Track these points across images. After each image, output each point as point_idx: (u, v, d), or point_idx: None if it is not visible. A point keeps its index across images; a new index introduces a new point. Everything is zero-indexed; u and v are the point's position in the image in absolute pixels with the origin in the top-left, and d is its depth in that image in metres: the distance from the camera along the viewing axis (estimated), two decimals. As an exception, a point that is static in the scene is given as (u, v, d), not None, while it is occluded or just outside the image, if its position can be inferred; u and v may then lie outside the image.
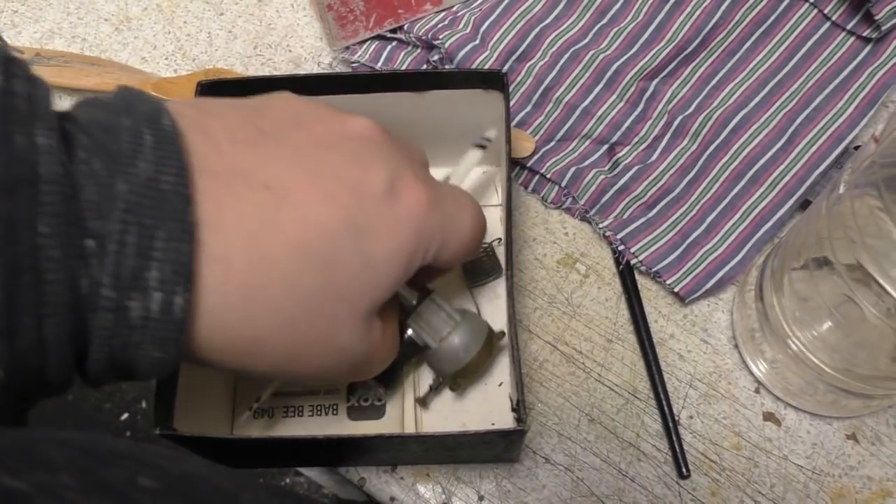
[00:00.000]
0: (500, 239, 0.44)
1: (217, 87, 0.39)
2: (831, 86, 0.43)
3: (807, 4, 0.44)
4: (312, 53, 0.51)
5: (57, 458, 0.19)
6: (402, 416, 0.39)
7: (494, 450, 0.35)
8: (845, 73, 0.43)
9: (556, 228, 0.45)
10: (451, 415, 0.40)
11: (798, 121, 0.43)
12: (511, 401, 0.33)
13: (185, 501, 0.20)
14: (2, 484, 0.17)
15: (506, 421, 0.39)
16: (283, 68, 0.51)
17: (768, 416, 0.40)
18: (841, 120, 0.42)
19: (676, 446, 0.39)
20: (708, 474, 0.39)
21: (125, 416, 1.20)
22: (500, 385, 0.41)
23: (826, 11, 0.44)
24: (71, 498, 0.18)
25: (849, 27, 0.43)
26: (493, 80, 0.38)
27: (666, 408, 0.40)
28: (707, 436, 0.40)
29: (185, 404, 0.33)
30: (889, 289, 0.30)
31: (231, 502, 0.22)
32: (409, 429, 0.39)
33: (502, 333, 0.36)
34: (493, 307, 0.42)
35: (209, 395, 0.38)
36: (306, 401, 0.40)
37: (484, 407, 0.40)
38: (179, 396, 0.33)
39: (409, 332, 0.34)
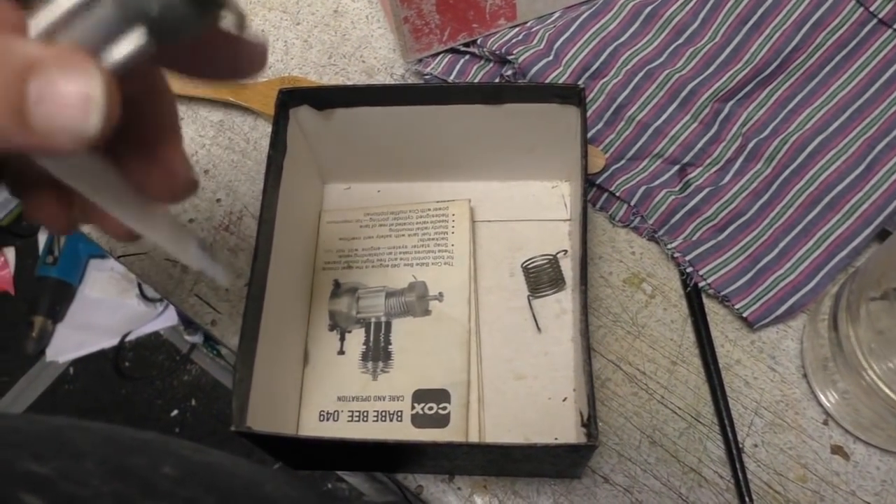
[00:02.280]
0: (566, 251, 0.44)
1: (297, 95, 0.40)
2: (914, 114, 0.42)
3: (890, 30, 0.43)
4: (385, 64, 0.52)
5: (83, 444, 0.20)
6: (465, 425, 0.39)
7: (559, 465, 0.35)
8: (929, 101, 0.42)
9: (623, 247, 0.45)
10: (513, 427, 0.40)
11: (878, 148, 0.42)
12: (581, 416, 0.32)
13: (205, 489, 0.20)
14: (28, 469, 0.18)
15: (568, 436, 0.39)
16: (355, 78, 0.52)
17: (836, 450, 0.40)
18: (924, 149, 0.41)
19: (740, 474, 0.39)
20: (772, 504, 0.39)
21: (175, 412, 1.23)
22: (564, 400, 0.40)
23: (911, 38, 0.43)
24: (94, 484, 0.18)
25: (935, 55, 0.43)
26: (570, 95, 0.39)
27: (730, 434, 0.40)
28: (772, 466, 0.39)
29: (257, 406, 0.34)
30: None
31: (253, 490, 0.22)
32: (473, 439, 0.39)
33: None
34: (559, 322, 0.42)
35: (278, 397, 0.38)
36: (371, 406, 0.40)
37: (547, 421, 0.40)
38: (252, 398, 0.34)
39: None
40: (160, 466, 0.20)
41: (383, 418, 0.40)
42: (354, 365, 0.42)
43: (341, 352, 0.42)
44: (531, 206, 0.46)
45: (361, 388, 0.41)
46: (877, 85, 0.43)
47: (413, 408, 0.40)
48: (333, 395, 0.41)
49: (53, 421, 0.21)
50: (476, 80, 0.48)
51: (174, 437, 0.22)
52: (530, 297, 0.43)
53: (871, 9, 0.43)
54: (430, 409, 0.40)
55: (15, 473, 0.18)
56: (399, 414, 0.40)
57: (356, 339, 0.43)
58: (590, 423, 0.31)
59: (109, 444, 0.20)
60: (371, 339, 0.42)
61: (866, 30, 0.44)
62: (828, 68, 0.44)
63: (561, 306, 0.43)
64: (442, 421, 0.40)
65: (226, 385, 1.26)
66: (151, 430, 0.23)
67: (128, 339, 1.28)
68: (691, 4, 0.46)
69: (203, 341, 1.28)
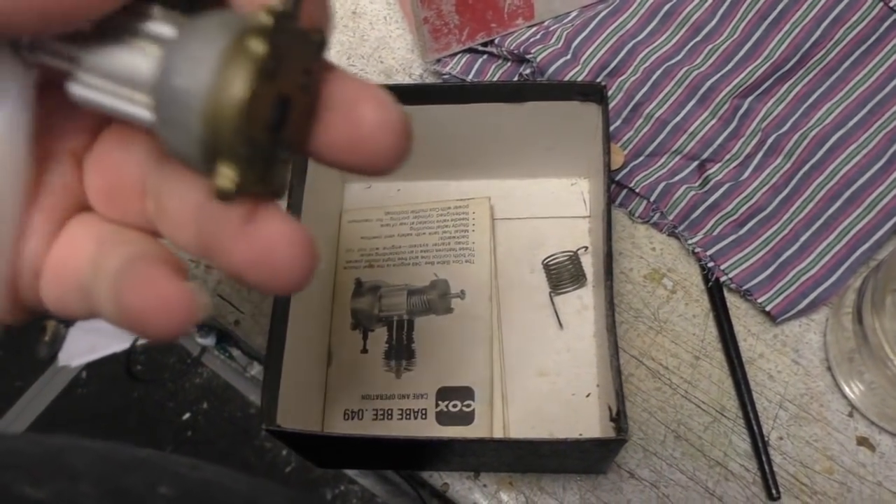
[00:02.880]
0: (586, 247, 0.44)
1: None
2: (934, 107, 0.42)
3: (910, 24, 0.44)
4: (403, 65, 0.52)
5: (80, 465, 0.19)
6: (490, 422, 0.40)
7: (587, 460, 0.35)
8: (950, 94, 0.42)
9: (643, 243, 0.45)
10: (537, 424, 0.40)
11: (899, 142, 0.42)
12: (610, 410, 0.33)
13: None
14: (23, 494, 0.18)
15: (592, 432, 0.39)
16: (374, 79, 0.52)
17: (862, 441, 0.40)
18: (945, 142, 0.41)
19: (766, 467, 0.39)
20: (799, 497, 0.39)
21: (187, 415, 1.23)
22: (587, 396, 0.41)
23: (930, 32, 0.43)
24: None
25: (954, 48, 0.43)
26: (592, 92, 0.39)
27: (755, 427, 0.40)
28: (798, 458, 0.40)
29: (285, 405, 0.34)
30: None
31: None
32: (497, 435, 0.39)
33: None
34: (580, 318, 0.43)
35: (304, 397, 0.39)
36: (396, 404, 0.41)
37: (571, 417, 0.40)
38: (280, 397, 0.34)
39: (72, 88, 0.17)
40: (157, 486, 0.20)
41: (408, 416, 0.40)
42: (378, 363, 0.42)
43: (364, 350, 0.43)
44: (550, 204, 0.46)
45: (385, 386, 0.41)
46: (896, 79, 0.43)
47: (437, 405, 0.41)
48: (357, 393, 0.41)
49: (52, 441, 0.21)
50: (494, 80, 0.49)
51: (174, 453, 0.22)
52: (551, 294, 0.44)
53: (891, 4, 0.44)
54: (455, 406, 0.40)
55: (11, 497, 0.17)
56: (423, 412, 0.41)
57: (379, 338, 0.43)
58: (619, 417, 0.31)
59: (106, 463, 0.20)
60: (394, 337, 0.43)
61: (886, 25, 0.44)
62: (847, 63, 0.44)
63: (582, 302, 0.43)
64: (467, 418, 0.40)
65: (237, 388, 1.26)
66: (149, 448, 0.23)
67: (139, 342, 1.28)
68: (710, 2, 0.46)
69: (215, 343, 1.28)
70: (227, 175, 0.16)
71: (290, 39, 0.16)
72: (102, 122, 0.20)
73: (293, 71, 0.16)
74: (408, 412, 0.40)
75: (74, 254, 0.19)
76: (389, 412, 0.41)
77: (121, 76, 0.16)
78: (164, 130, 0.16)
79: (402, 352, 0.42)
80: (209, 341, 1.29)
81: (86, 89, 0.17)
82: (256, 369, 1.24)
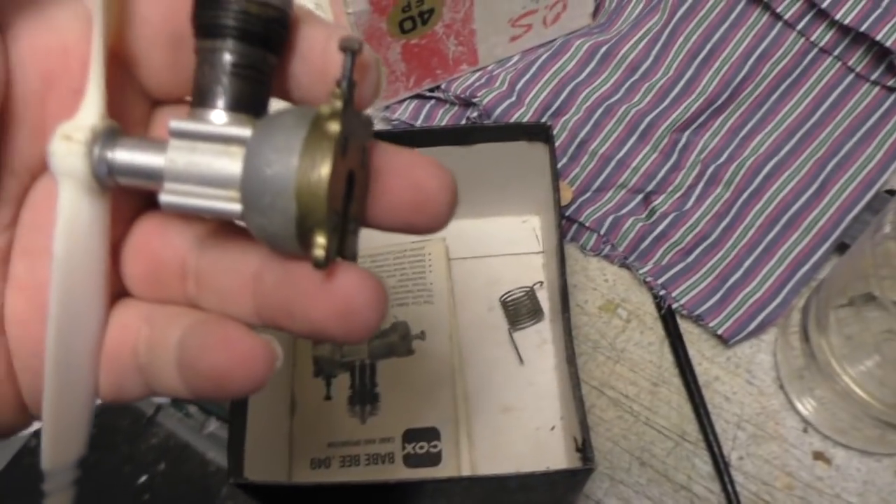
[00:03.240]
0: (541, 282, 0.45)
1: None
2: (859, 133, 0.45)
3: (830, 57, 0.46)
4: (352, 113, 0.53)
5: None
6: (458, 462, 0.40)
7: (556, 493, 0.35)
8: (872, 120, 0.45)
9: (596, 275, 0.47)
10: (504, 460, 0.40)
11: (829, 167, 0.44)
12: (575, 441, 0.33)
13: None
14: None
15: (559, 464, 0.40)
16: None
17: (818, 455, 0.41)
18: (871, 166, 0.44)
19: (729, 488, 0.40)
20: (762, 515, 0.40)
21: (144, 478, 1.19)
22: (552, 429, 0.41)
23: (850, 64, 0.46)
24: None
25: (873, 78, 0.46)
26: (538, 132, 0.40)
27: (716, 449, 0.41)
28: (758, 476, 0.41)
29: (251, 458, 0.34)
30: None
31: None
32: (466, 474, 0.39)
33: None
34: (540, 352, 0.43)
35: (270, 448, 0.38)
36: (362, 450, 0.41)
37: (537, 452, 0.41)
38: (247, 450, 0.33)
39: (163, 198, 0.19)
40: None
41: (375, 461, 0.40)
42: (342, 409, 0.42)
43: (328, 397, 0.43)
44: (504, 242, 0.47)
45: (351, 432, 0.41)
46: (822, 109, 0.46)
47: (404, 448, 0.41)
48: (323, 441, 0.41)
49: None
50: (443, 124, 0.50)
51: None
52: (510, 330, 0.44)
53: (812, 39, 0.46)
54: (422, 448, 0.41)
55: None
56: (391, 456, 0.40)
57: (342, 384, 0.43)
58: (584, 447, 0.32)
59: None
60: (357, 382, 0.43)
61: (808, 59, 0.47)
62: (775, 96, 0.47)
63: (541, 336, 0.44)
64: (434, 459, 0.40)
65: (195, 446, 1.23)
66: None
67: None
68: (644, 43, 0.48)
69: (170, 401, 1.25)
70: (321, 245, 0.17)
71: (351, 121, 0.18)
72: (136, 212, 0.21)
73: (355, 149, 0.18)
74: (375, 457, 0.40)
75: (127, 337, 0.20)
76: (356, 458, 0.40)
77: (209, 180, 0.18)
78: (256, 217, 0.18)
79: (366, 396, 0.42)
80: (164, 399, 1.26)
81: (175, 197, 0.18)
82: (214, 426, 1.21)
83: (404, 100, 0.51)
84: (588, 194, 0.47)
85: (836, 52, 0.46)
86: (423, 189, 0.19)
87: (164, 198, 0.18)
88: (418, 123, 0.50)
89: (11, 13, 0.19)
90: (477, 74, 0.50)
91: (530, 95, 0.48)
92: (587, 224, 0.46)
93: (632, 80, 0.48)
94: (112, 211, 0.20)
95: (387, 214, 0.20)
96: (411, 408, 0.42)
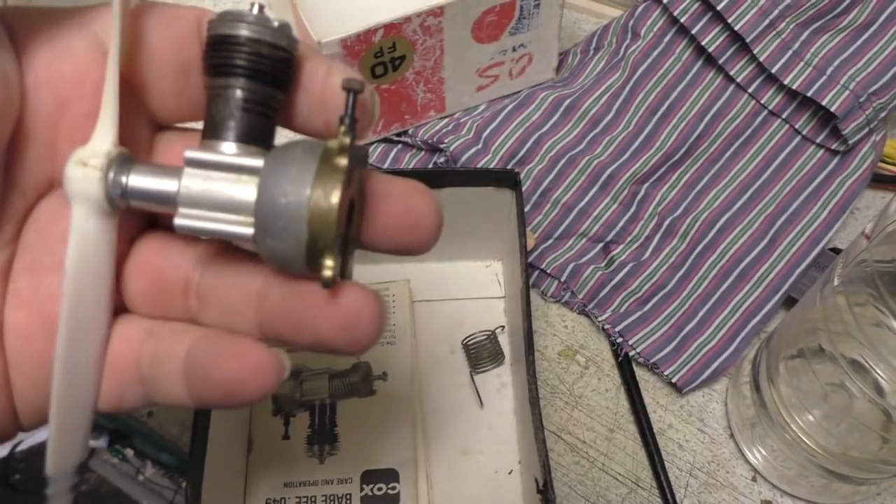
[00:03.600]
0: (503, 327, 0.46)
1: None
2: (806, 192, 0.47)
3: (779, 120, 0.49)
4: (319, 153, 0.53)
5: None
6: (417, 504, 0.40)
7: (515, 535, 0.36)
8: (818, 181, 0.47)
9: (556, 321, 0.48)
10: None
11: (778, 223, 0.47)
12: (536, 482, 0.33)
13: None
14: None
15: (517, 509, 0.40)
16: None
17: (766, 504, 0.42)
18: (817, 224, 0.46)
19: (682, 534, 0.40)
20: (714, 562, 0.40)
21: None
22: (510, 473, 0.41)
23: (797, 126, 0.49)
24: None
25: (818, 140, 0.48)
26: (506, 179, 0.41)
27: (669, 497, 0.41)
28: (710, 524, 0.41)
29: (204, 496, 0.33)
30: (882, 373, 0.33)
31: None
32: (424, 517, 0.39)
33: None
34: (500, 396, 0.44)
35: (224, 488, 0.38)
36: (319, 490, 0.40)
37: (495, 495, 0.41)
38: (203, 492, 0.33)
39: (178, 222, 0.20)
40: None
41: (332, 502, 0.40)
42: (300, 449, 0.42)
43: (286, 436, 0.42)
44: (467, 286, 0.48)
45: (308, 472, 0.41)
46: (772, 168, 0.48)
47: (362, 489, 0.40)
48: (280, 481, 0.41)
49: None
50: (410, 167, 0.51)
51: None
52: (472, 373, 0.45)
53: (762, 101, 0.49)
54: (380, 489, 0.40)
55: None
56: (348, 497, 0.40)
57: (301, 423, 0.42)
58: (546, 488, 0.32)
59: None
60: (317, 421, 0.42)
61: (759, 119, 0.49)
62: (728, 153, 0.49)
63: (501, 380, 0.45)
64: (392, 501, 0.40)
65: (129, 493, 1.18)
66: None
67: (18, 448, 1.19)
68: (605, 97, 0.50)
69: (107, 446, 1.20)
70: (330, 266, 0.19)
71: (354, 154, 0.19)
72: (138, 232, 0.22)
73: (356, 178, 0.20)
74: (332, 498, 0.40)
75: (130, 350, 0.21)
76: (313, 499, 0.40)
77: (223, 206, 0.20)
78: (268, 241, 0.19)
79: (325, 436, 0.42)
80: (101, 443, 1.21)
81: (190, 220, 0.20)
82: (150, 471, 1.17)
83: (372, 143, 0.52)
84: (550, 241, 0.48)
85: (785, 115, 0.49)
86: (416, 211, 0.21)
87: (180, 221, 0.20)
88: (385, 167, 0.51)
89: (30, 40, 0.20)
90: (444, 121, 0.52)
91: (496, 143, 0.49)
92: (549, 271, 0.47)
93: (594, 132, 0.50)
94: (119, 232, 0.21)
95: (382, 235, 0.21)
96: (370, 449, 0.41)
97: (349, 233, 0.21)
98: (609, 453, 0.43)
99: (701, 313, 0.45)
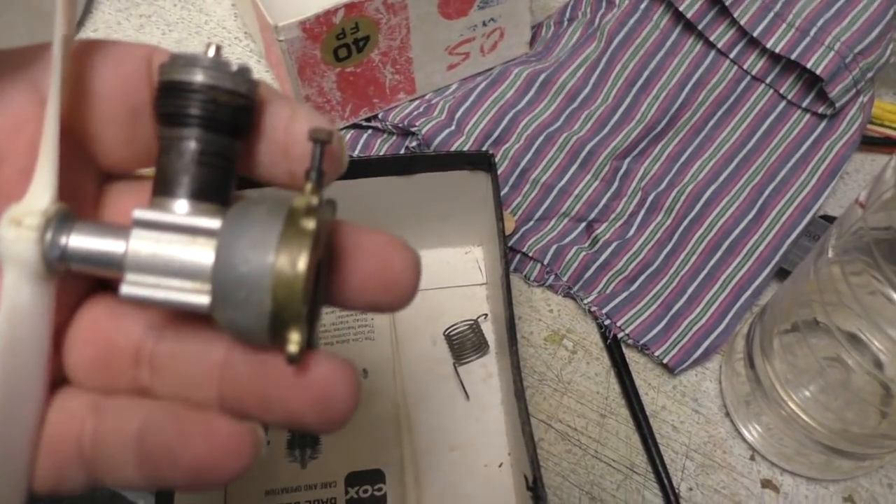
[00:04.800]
0: (486, 315, 0.44)
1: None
2: (793, 159, 0.46)
3: (763, 85, 0.47)
4: (287, 143, 0.51)
5: None
6: (403, 505, 0.38)
7: (506, 534, 0.34)
8: (805, 146, 0.46)
9: (541, 306, 0.46)
10: (453, 501, 0.39)
11: (766, 193, 0.45)
12: (526, 479, 0.32)
13: None
14: None
15: (508, 503, 0.38)
16: (258, 158, 0.51)
17: (766, 483, 0.41)
18: (806, 191, 0.45)
19: (680, 520, 0.39)
20: (714, 547, 0.39)
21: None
22: (500, 466, 0.40)
23: (782, 91, 0.47)
24: None
25: (804, 105, 0.46)
26: (480, 161, 0.39)
27: (666, 481, 0.40)
28: (709, 507, 0.40)
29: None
30: (880, 345, 0.32)
31: None
32: (412, 518, 0.38)
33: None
34: (486, 387, 0.42)
35: (200, 498, 0.36)
36: (303, 496, 0.38)
37: (486, 490, 0.39)
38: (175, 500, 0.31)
39: (124, 290, 0.18)
40: None
41: (317, 507, 0.38)
42: (281, 454, 0.40)
43: (266, 442, 0.40)
44: (447, 274, 0.46)
45: (290, 478, 0.39)
46: (757, 135, 0.47)
47: (347, 492, 0.39)
48: (261, 489, 0.39)
49: None
50: (381, 153, 0.49)
51: None
52: (455, 365, 0.43)
53: (745, 67, 0.47)
54: (365, 491, 0.39)
55: None
56: (333, 501, 0.38)
57: (280, 426, 0.41)
58: (536, 485, 0.31)
59: None
60: (296, 424, 0.41)
61: (742, 86, 0.47)
62: (712, 123, 0.47)
63: (487, 370, 0.43)
64: (379, 502, 0.38)
65: (122, 494, 1.17)
66: None
67: None
68: (582, 70, 0.48)
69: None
70: (295, 340, 0.17)
71: (321, 211, 0.18)
72: (81, 297, 0.20)
73: (323, 235, 0.18)
74: (316, 503, 0.38)
75: (71, 428, 0.19)
76: (296, 506, 0.38)
77: (174, 272, 0.18)
78: (227, 312, 0.17)
79: (306, 440, 0.40)
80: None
81: (137, 289, 0.18)
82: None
83: (341, 129, 0.50)
84: (531, 223, 0.47)
85: (769, 80, 0.47)
86: (391, 269, 0.19)
87: (126, 290, 0.18)
88: (355, 154, 0.49)
89: None
90: (415, 103, 0.49)
91: (470, 124, 0.47)
92: (530, 254, 0.45)
93: (571, 107, 0.48)
94: (57, 295, 0.18)
95: (353, 295, 0.19)
96: (354, 450, 0.40)
97: (317, 296, 0.19)
98: (602, 439, 0.42)
99: (690, 290, 0.44)
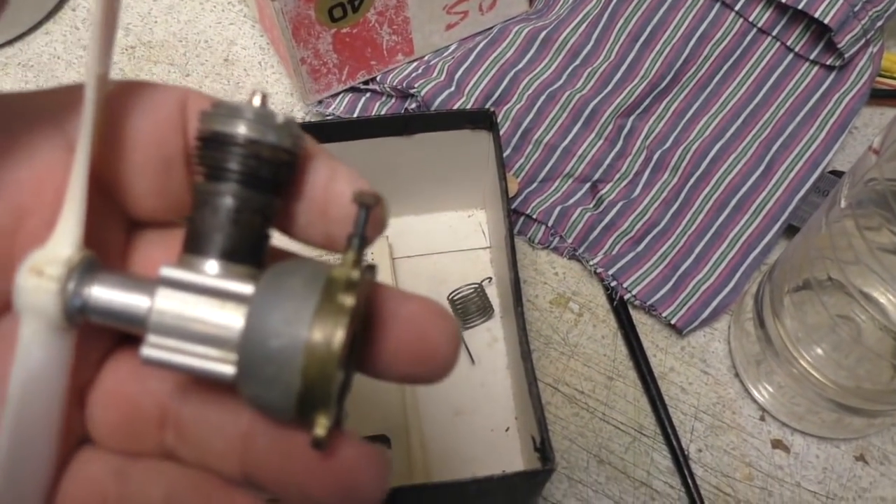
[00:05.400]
0: (490, 278, 0.43)
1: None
2: (802, 113, 0.44)
3: (770, 37, 0.46)
4: (283, 109, 0.50)
5: None
6: (410, 472, 0.37)
7: (514, 497, 0.34)
8: (813, 100, 0.45)
9: (546, 269, 0.45)
10: (460, 465, 0.38)
11: (774, 148, 0.44)
12: (533, 440, 0.31)
13: None
14: None
15: (516, 466, 0.38)
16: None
17: (776, 444, 0.40)
18: (815, 145, 0.43)
19: (690, 481, 0.39)
20: (725, 507, 0.38)
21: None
22: (506, 430, 0.39)
23: (788, 43, 0.46)
24: None
25: (812, 57, 0.45)
26: (481, 120, 0.38)
27: (675, 443, 0.40)
28: (718, 468, 0.39)
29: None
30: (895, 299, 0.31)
31: None
32: (420, 482, 0.37)
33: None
34: (491, 351, 0.41)
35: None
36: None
37: (492, 455, 0.39)
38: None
39: (145, 352, 0.17)
40: None
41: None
42: (284, 422, 0.39)
43: None
44: (449, 238, 0.45)
45: (294, 445, 0.39)
46: (764, 89, 0.45)
47: (352, 459, 0.38)
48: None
49: None
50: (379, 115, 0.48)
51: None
52: (460, 329, 0.42)
53: (751, 19, 0.46)
54: (371, 457, 0.38)
55: None
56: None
57: (283, 395, 0.40)
58: (544, 446, 0.30)
59: None
60: (299, 392, 0.40)
61: (748, 39, 0.46)
62: (717, 77, 0.46)
63: (492, 335, 0.42)
64: (385, 468, 0.38)
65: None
66: None
67: None
68: (583, 27, 0.47)
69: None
70: (323, 424, 0.16)
71: (361, 283, 0.17)
72: (105, 352, 0.19)
73: (361, 308, 0.17)
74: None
75: (92, 492, 0.18)
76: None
77: (200, 338, 0.16)
78: (251, 387, 0.16)
79: (308, 407, 0.40)
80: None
81: (159, 352, 0.17)
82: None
83: (338, 93, 0.48)
84: (534, 185, 0.46)
85: (775, 32, 0.46)
86: (429, 341, 0.18)
87: (147, 352, 0.17)
88: (354, 117, 0.48)
89: None
90: (413, 65, 0.48)
91: (470, 84, 0.46)
92: (534, 216, 0.45)
93: (573, 65, 0.47)
94: (78, 350, 0.17)
95: (386, 366, 0.18)
96: (359, 416, 0.39)
97: (349, 369, 0.18)
98: (609, 402, 0.41)
99: (697, 249, 0.43)
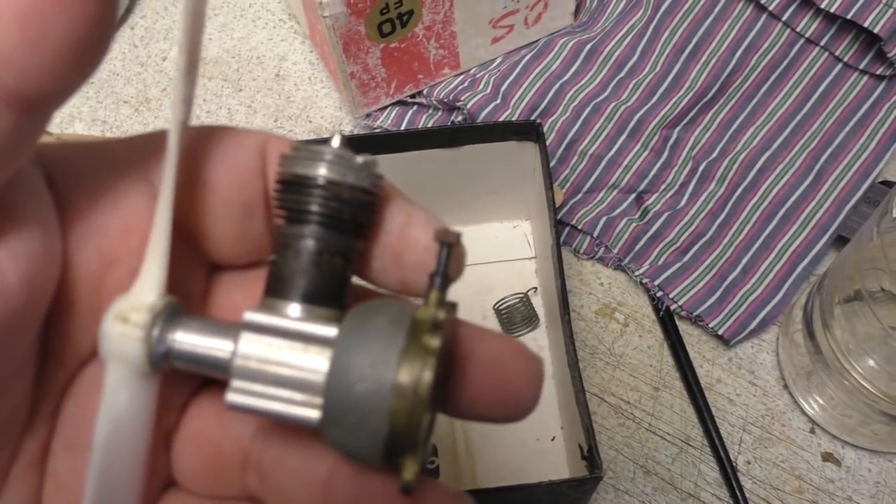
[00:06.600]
0: (535, 288, 0.44)
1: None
2: (851, 123, 0.44)
3: (818, 48, 0.46)
4: (332, 123, 0.52)
5: None
6: (456, 477, 0.38)
7: (561, 504, 0.34)
8: (863, 110, 0.44)
9: (591, 279, 0.45)
10: (506, 474, 0.39)
11: (823, 158, 0.44)
12: (581, 448, 0.32)
13: None
14: None
15: (561, 475, 0.38)
16: (303, 138, 0.51)
17: (827, 457, 0.40)
18: (865, 155, 0.43)
19: (738, 494, 0.38)
20: (774, 520, 0.38)
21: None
22: (552, 440, 0.40)
23: (837, 53, 0.45)
24: None
25: (861, 66, 0.45)
26: (527, 131, 0.39)
27: (722, 454, 0.39)
28: (767, 480, 0.39)
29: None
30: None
31: None
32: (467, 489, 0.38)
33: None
34: (537, 361, 0.42)
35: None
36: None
37: (539, 463, 0.39)
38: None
39: (230, 398, 0.17)
40: None
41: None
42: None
43: None
44: (495, 248, 0.46)
45: (343, 451, 0.39)
46: (812, 100, 0.45)
47: (400, 465, 0.39)
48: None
49: None
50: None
51: None
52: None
53: (798, 29, 0.46)
54: (418, 464, 0.39)
55: None
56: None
57: (332, 401, 0.41)
58: (591, 454, 0.30)
59: None
60: (348, 398, 0.41)
61: (795, 49, 0.46)
62: (764, 88, 0.46)
63: (537, 344, 0.43)
64: (431, 475, 0.38)
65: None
66: None
67: None
68: (629, 39, 0.47)
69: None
70: (411, 468, 0.16)
71: (446, 324, 0.16)
72: (189, 396, 0.19)
73: (447, 349, 0.17)
74: (369, 476, 0.38)
75: None
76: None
77: (284, 382, 0.16)
78: (337, 432, 0.16)
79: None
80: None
81: (244, 397, 0.16)
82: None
83: (386, 107, 0.49)
84: (579, 196, 0.46)
85: (823, 42, 0.46)
86: (511, 382, 0.17)
87: (232, 398, 0.17)
88: (401, 131, 0.49)
89: (71, 187, 0.17)
90: (460, 78, 0.49)
91: (516, 97, 0.46)
92: (580, 227, 0.45)
93: (618, 77, 0.47)
94: (162, 395, 0.18)
95: (467, 407, 0.18)
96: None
97: (433, 413, 0.17)
98: (655, 413, 0.41)
99: (744, 260, 0.43)
